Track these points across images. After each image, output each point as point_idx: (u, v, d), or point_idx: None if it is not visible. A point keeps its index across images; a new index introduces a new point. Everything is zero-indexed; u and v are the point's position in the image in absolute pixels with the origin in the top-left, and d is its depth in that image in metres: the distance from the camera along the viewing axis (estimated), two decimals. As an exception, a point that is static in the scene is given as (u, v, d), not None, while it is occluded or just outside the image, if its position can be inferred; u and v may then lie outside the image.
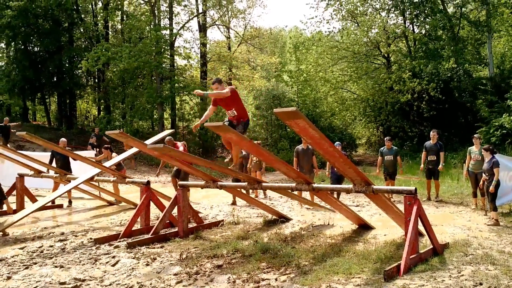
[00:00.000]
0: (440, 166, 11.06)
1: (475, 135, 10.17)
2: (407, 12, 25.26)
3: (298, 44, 27.90)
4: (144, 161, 22.25)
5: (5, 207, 8.67)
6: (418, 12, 24.58)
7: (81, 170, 11.60)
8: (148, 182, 8.26)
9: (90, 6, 30.12)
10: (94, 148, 15.70)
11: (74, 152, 12.25)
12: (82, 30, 29.45)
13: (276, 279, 5.18)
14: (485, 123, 19.39)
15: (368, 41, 25.81)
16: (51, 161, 11.33)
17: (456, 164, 17.53)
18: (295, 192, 8.17)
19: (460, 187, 12.73)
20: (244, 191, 9.75)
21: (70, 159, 11.31)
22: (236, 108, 7.05)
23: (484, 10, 23.19)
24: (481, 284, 4.76)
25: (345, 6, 26.02)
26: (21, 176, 10.58)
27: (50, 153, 11.55)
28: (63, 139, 11.66)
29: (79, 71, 30.00)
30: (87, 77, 34.11)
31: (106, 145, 12.27)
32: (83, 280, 5.35)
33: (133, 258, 6.31)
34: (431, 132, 11.22)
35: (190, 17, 30.19)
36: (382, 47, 26.24)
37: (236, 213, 9.78)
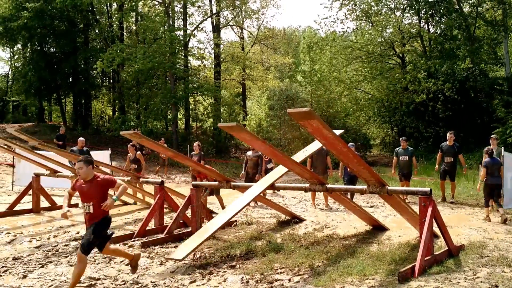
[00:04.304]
0: (463, 169, 11.12)
1: (492, 136, 10.15)
2: (422, 12, 25.01)
3: (312, 44, 27.68)
4: (158, 161, 22.38)
5: None
6: (433, 11, 24.31)
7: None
8: (162, 182, 8.30)
9: (105, 7, 30.39)
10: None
11: (90, 152, 12.36)
12: (97, 31, 29.73)
13: (289, 280, 5.17)
14: (502, 124, 19.12)
15: (382, 41, 25.59)
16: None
17: (472, 165, 17.31)
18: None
19: (476, 188, 12.57)
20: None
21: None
22: (96, 201, 5.07)
23: (500, 10, 22.86)
24: (497, 286, 4.71)
25: (359, 6, 25.82)
26: (37, 176, 10.67)
27: None
28: (81, 138, 11.72)
29: (94, 71, 30.35)
30: (102, 78, 34.52)
31: (132, 143, 12.27)
32: (98, 279, 5.40)
33: (147, 257, 6.35)
34: (447, 134, 11.11)
35: (204, 18, 30.28)
36: (397, 47, 26.00)
37: (249, 213, 9.78)
